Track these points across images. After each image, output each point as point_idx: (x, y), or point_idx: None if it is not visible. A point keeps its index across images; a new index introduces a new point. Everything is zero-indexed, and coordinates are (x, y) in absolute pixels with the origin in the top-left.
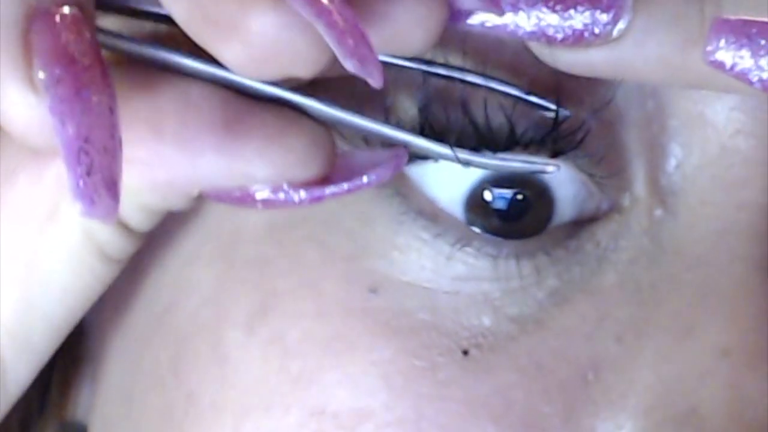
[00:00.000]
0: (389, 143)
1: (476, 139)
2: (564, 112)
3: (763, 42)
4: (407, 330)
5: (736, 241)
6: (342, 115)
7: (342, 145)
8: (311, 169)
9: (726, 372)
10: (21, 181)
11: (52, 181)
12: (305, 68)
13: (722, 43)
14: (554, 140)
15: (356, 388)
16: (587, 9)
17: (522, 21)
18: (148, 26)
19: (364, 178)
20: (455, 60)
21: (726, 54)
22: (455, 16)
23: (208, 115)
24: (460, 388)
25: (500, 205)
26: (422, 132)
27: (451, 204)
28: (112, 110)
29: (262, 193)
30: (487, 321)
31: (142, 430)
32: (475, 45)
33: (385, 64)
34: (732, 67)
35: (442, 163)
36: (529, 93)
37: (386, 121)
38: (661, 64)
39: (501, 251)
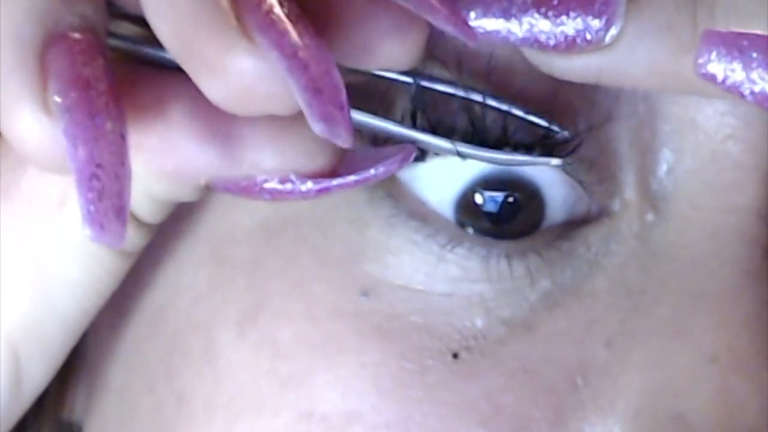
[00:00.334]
0: (391, 140)
1: (469, 138)
2: (563, 134)
3: (754, 55)
4: (398, 333)
5: (727, 246)
6: None
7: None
8: (319, 159)
9: (715, 377)
10: (30, 170)
11: None
12: (283, 108)
13: (713, 55)
14: (546, 147)
15: (345, 390)
16: (579, 15)
17: (514, 27)
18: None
19: (372, 171)
20: (452, 72)
21: (717, 66)
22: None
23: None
24: (449, 392)
25: (491, 207)
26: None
27: (442, 206)
28: (123, 137)
29: (269, 183)
30: (479, 323)
31: (135, 430)
32: (472, 56)
33: (379, 77)
34: (723, 80)
35: (434, 164)
36: (528, 112)
37: (385, 117)
38: (653, 70)
39: (492, 252)
